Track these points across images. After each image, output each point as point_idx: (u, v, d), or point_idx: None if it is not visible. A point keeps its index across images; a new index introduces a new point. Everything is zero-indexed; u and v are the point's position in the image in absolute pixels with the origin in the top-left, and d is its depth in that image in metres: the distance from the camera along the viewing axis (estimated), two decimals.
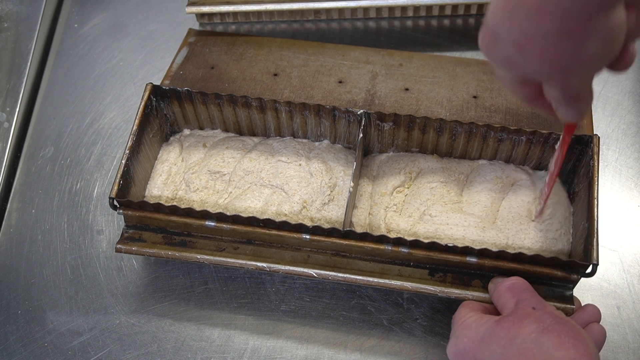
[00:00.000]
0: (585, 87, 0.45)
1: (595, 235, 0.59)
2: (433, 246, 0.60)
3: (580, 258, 0.60)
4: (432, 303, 0.67)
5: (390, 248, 0.61)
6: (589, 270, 0.59)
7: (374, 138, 0.71)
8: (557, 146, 0.62)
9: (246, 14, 0.86)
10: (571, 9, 0.36)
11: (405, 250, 0.61)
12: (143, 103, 0.69)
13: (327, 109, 0.68)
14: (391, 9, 0.86)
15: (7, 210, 0.75)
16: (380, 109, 0.70)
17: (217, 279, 0.69)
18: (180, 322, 0.67)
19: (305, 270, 0.63)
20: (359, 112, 0.67)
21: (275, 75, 0.75)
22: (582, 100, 0.45)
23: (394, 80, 0.74)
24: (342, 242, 0.62)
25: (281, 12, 0.86)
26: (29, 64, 0.84)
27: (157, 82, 0.73)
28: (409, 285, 0.61)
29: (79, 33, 0.89)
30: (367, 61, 0.76)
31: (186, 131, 0.75)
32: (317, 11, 0.86)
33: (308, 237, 0.62)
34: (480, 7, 0.85)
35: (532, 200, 0.67)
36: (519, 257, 0.59)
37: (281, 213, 0.67)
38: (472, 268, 0.61)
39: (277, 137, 0.73)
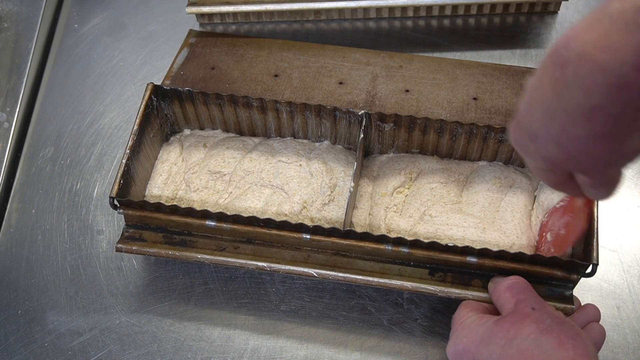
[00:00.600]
0: (620, 172, 0.45)
1: (596, 235, 0.59)
2: (433, 246, 0.60)
3: (580, 258, 0.60)
4: (432, 303, 0.67)
5: (390, 248, 0.61)
6: (589, 270, 0.59)
7: (374, 139, 0.71)
8: (558, 205, 0.62)
9: (246, 14, 0.86)
10: (619, 114, 0.36)
11: (405, 250, 0.61)
12: (144, 103, 0.69)
13: (328, 109, 0.68)
14: (391, 9, 0.86)
15: (7, 210, 0.75)
16: (380, 111, 0.70)
17: (217, 279, 0.69)
18: (180, 322, 0.67)
19: (306, 269, 0.63)
20: (360, 113, 0.67)
21: (276, 76, 0.75)
22: (615, 182, 0.45)
23: (394, 82, 0.74)
24: (342, 241, 0.62)
25: (281, 13, 0.86)
26: (29, 64, 0.84)
27: (158, 82, 0.73)
28: (409, 284, 0.61)
29: (79, 33, 0.89)
30: (368, 63, 0.76)
31: (186, 131, 0.75)
32: (317, 11, 0.86)
33: (308, 236, 0.62)
34: (480, 7, 0.85)
35: (530, 201, 0.67)
36: (519, 257, 0.59)
37: (281, 213, 0.67)
38: (472, 268, 0.61)
39: (278, 138, 0.74)
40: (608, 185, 0.45)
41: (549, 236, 0.63)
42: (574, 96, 0.36)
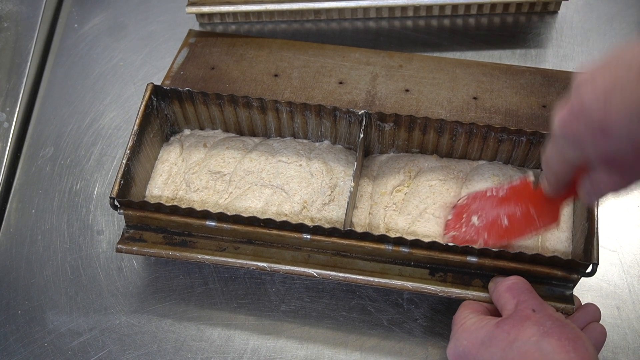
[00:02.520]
0: None
1: (596, 234, 0.59)
2: (433, 246, 0.60)
3: (581, 258, 0.60)
4: (432, 303, 0.67)
5: (390, 248, 0.61)
6: (589, 269, 0.59)
7: (374, 138, 0.71)
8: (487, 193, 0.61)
9: (246, 14, 0.86)
10: None
11: (405, 249, 0.61)
12: (144, 103, 0.69)
13: (328, 109, 0.68)
14: (391, 9, 0.86)
15: (7, 210, 0.75)
16: (380, 110, 0.70)
17: (217, 279, 0.69)
18: (180, 322, 0.67)
19: (306, 270, 0.63)
20: (360, 113, 0.67)
21: (276, 76, 0.75)
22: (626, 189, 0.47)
23: (394, 82, 0.74)
24: (342, 241, 0.62)
25: (281, 12, 0.86)
26: (29, 64, 0.84)
27: (158, 82, 0.73)
28: (409, 284, 0.61)
29: (79, 33, 0.89)
30: (368, 62, 0.76)
31: (187, 131, 0.75)
32: (317, 11, 0.86)
33: (309, 236, 0.62)
34: (480, 7, 0.85)
35: None
36: (519, 257, 0.59)
37: (281, 213, 0.67)
38: (473, 267, 0.61)
39: (278, 138, 0.73)
40: (627, 187, 0.46)
41: (475, 220, 0.62)
42: None
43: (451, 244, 0.59)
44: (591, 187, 0.48)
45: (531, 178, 0.59)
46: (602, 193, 0.48)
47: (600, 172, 0.46)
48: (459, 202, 0.65)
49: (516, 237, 0.60)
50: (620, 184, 0.46)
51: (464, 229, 0.62)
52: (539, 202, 0.58)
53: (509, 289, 0.57)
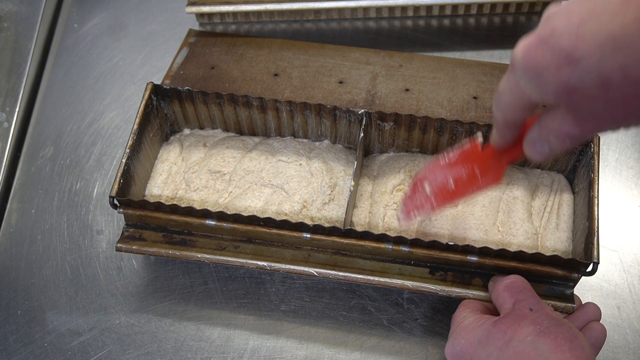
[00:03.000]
0: None
1: (596, 234, 0.59)
2: (434, 245, 0.60)
3: (581, 257, 0.60)
4: (432, 303, 0.67)
5: (391, 247, 0.61)
6: (589, 268, 0.59)
7: (374, 138, 0.71)
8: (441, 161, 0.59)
9: (246, 14, 0.86)
10: None
11: (405, 249, 0.61)
12: (144, 102, 0.69)
13: (328, 108, 0.68)
14: (391, 9, 0.86)
15: (7, 210, 0.75)
16: (380, 110, 0.70)
17: (217, 278, 0.69)
18: (180, 322, 0.67)
19: (306, 269, 0.63)
20: (360, 112, 0.67)
21: (276, 75, 0.75)
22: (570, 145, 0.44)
23: (394, 81, 0.74)
24: (342, 240, 0.62)
25: (281, 12, 0.86)
26: (28, 64, 0.84)
27: (158, 82, 0.73)
28: (409, 284, 0.61)
29: (79, 33, 0.89)
30: (367, 62, 0.76)
31: (186, 131, 0.75)
32: (317, 11, 0.86)
33: (309, 235, 0.62)
34: (480, 7, 0.85)
35: (529, 198, 0.67)
36: (520, 256, 0.59)
37: (281, 212, 0.67)
38: (473, 266, 0.61)
39: (278, 137, 0.73)
40: (579, 137, 0.43)
41: (427, 187, 0.59)
42: None
43: (451, 243, 0.59)
44: (539, 133, 0.45)
45: (480, 139, 0.57)
46: (550, 142, 0.44)
47: (553, 114, 0.43)
48: (416, 175, 0.63)
49: (459, 197, 0.58)
50: (573, 130, 0.42)
51: (417, 199, 0.59)
52: (484, 161, 0.56)
53: (507, 288, 0.57)
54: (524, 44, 0.41)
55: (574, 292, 0.61)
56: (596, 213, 0.60)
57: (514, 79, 0.43)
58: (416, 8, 0.86)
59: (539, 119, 0.45)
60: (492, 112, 0.49)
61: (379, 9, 0.86)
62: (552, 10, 0.40)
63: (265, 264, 0.63)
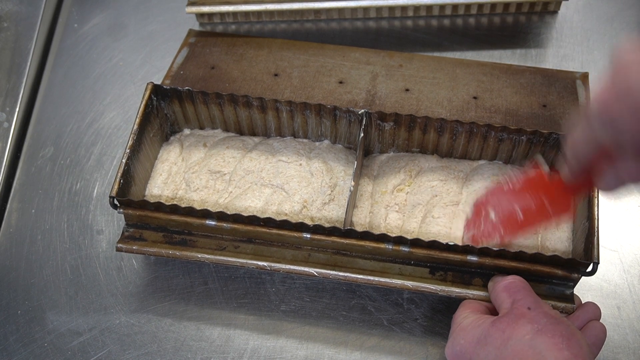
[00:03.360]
0: None
1: (596, 234, 0.59)
2: (434, 245, 0.60)
3: (581, 257, 0.60)
4: (432, 303, 0.67)
5: (391, 247, 0.61)
6: (589, 268, 0.59)
7: (374, 138, 0.71)
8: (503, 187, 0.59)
9: (246, 14, 0.86)
10: None
11: (405, 249, 0.61)
12: (144, 102, 0.69)
13: (328, 108, 0.68)
14: (391, 9, 0.86)
15: (7, 210, 0.75)
16: (380, 110, 0.70)
17: (217, 278, 0.69)
18: (180, 322, 0.67)
19: (306, 269, 0.63)
20: (360, 112, 0.67)
21: (276, 75, 0.75)
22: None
23: (394, 81, 0.74)
24: (342, 240, 0.62)
25: (281, 12, 0.86)
26: (28, 63, 0.84)
27: (158, 82, 0.73)
28: (409, 284, 0.61)
29: (79, 33, 0.89)
30: (368, 62, 0.76)
31: (186, 131, 0.75)
32: (317, 11, 0.86)
33: (309, 236, 0.62)
34: (480, 7, 0.85)
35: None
36: (520, 256, 0.59)
37: (281, 213, 0.67)
38: (473, 266, 0.61)
39: (278, 137, 0.73)
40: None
41: (492, 213, 0.59)
42: None
43: (451, 243, 0.59)
44: (615, 176, 0.46)
45: (545, 167, 0.57)
46: (625, 183, 0.46)
47: (629, 162, 0.44)
48: (478, 199, 0.64)
49: (530, 229, 0.59)
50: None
51: (482, 227, 0.61)
52: (552, 191, 0.56)
53: (505, 288, 0.57)
54: (601, 96, 0.41)
55: (574, 292, 0.61)
56: (596, 213, 0.60)
57: (589, 129, 0.44)
58: (416, 8, 0.86)
59: (614, 162, 0.46)
60: (565, 154, 0.49)
61: (379, 9, 0.86)
62: (627, 58, 0.40)
63: (265, 264, 0.63)
